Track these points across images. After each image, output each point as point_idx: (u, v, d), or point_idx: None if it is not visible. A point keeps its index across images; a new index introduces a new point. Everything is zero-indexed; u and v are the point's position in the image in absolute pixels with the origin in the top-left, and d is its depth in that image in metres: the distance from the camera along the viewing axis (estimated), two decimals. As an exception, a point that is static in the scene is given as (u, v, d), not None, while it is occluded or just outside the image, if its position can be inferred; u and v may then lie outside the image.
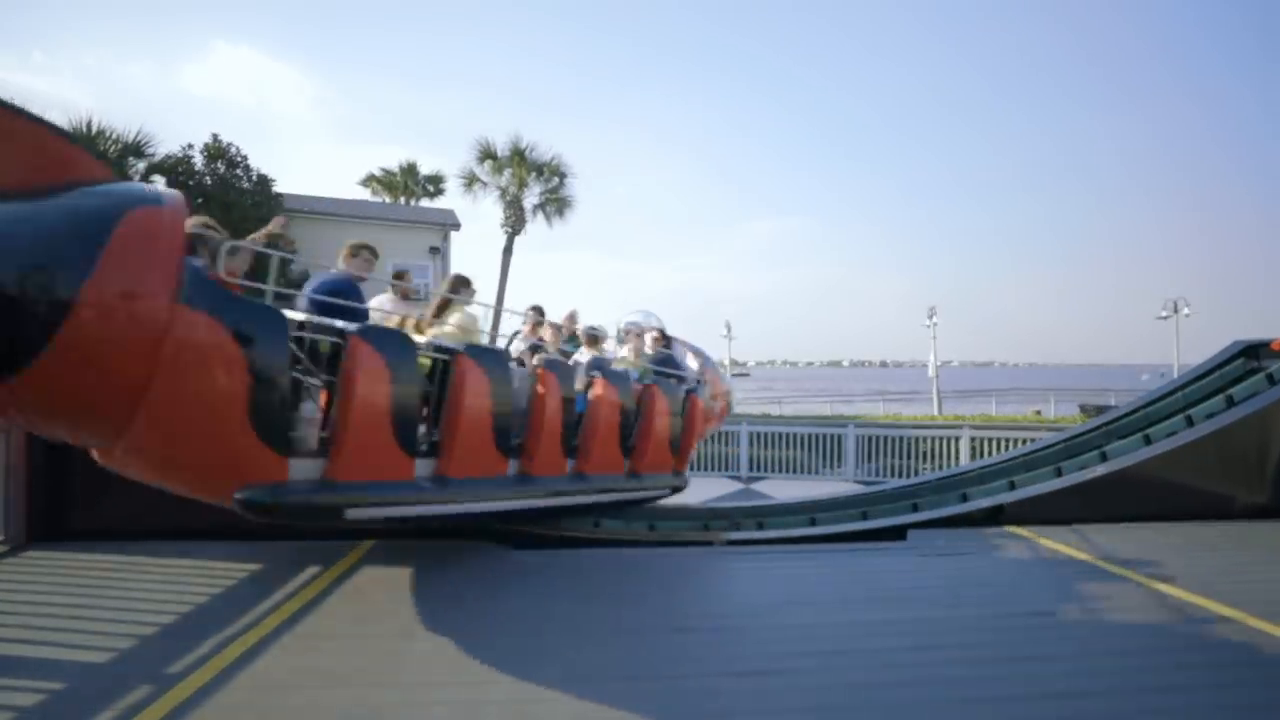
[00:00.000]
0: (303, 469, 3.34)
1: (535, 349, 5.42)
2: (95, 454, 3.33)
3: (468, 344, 4.20)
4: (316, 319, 3.72)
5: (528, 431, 4.57)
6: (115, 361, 2.72)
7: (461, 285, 4.68)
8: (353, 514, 3.53)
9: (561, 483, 4.83)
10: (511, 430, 4.39)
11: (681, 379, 6.37)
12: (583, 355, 5.71)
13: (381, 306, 4.68)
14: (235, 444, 3.06)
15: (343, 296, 4.00)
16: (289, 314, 3.55)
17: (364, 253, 4.54)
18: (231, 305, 3.05)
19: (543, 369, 4.67)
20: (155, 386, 2.79)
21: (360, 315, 4.00)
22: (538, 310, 6.00)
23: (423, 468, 3.89)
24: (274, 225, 3.97)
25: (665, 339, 6.86)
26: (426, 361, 4.05)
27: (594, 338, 5.85)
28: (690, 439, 6.25)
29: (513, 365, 4.64)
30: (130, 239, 2.73)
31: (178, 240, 2.89)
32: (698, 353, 7.10)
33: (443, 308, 4.57)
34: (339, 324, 3.69)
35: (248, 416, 3.04)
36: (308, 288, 4.25)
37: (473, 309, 4.61)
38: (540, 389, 4.55)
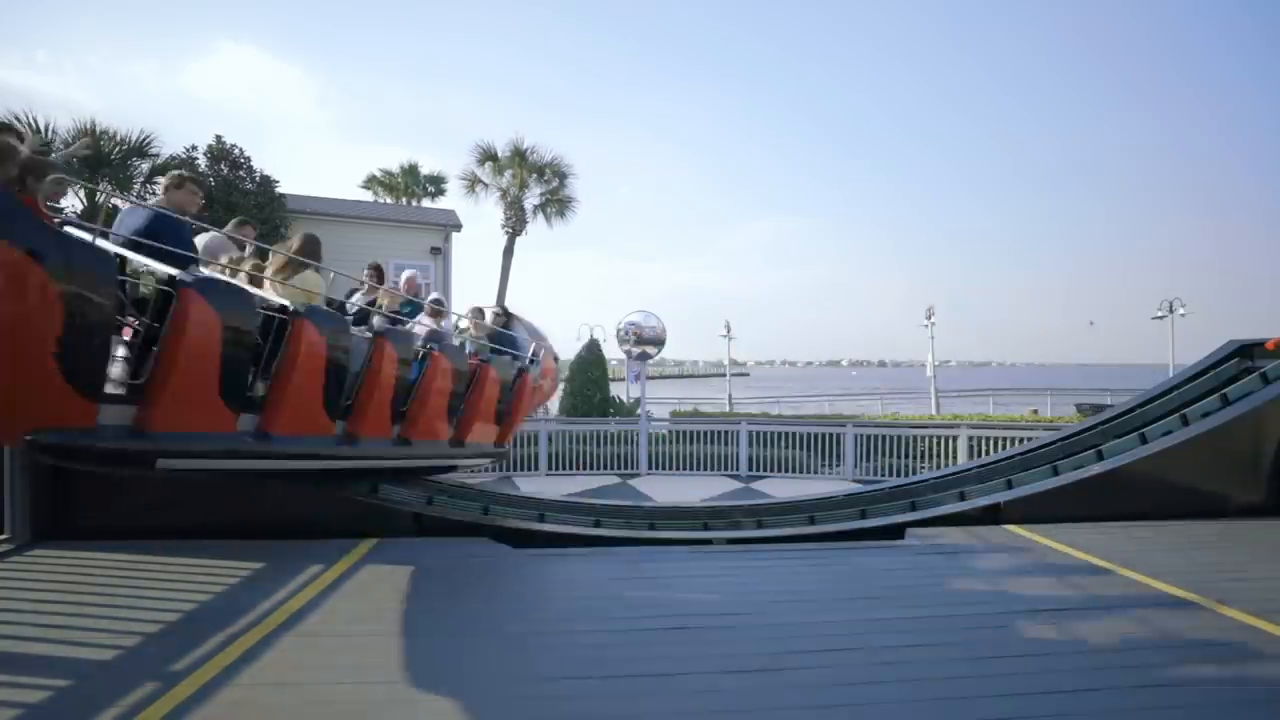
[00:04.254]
0: (113, 415, 3.25)
1: (365, 312, 5.71)
2: None
3: (308, 305, 4.22)
4: (138, 259, 3.59)
5: (358, 394, 4.66)
6: None
7: (311, 248, 4.58)
8: (165, 464, 3.50)
9: (386, 446, 5.06)
10: (342, 392, 4.48)
11: (516, 356, 6.71)
12: (422, 323, 5.95)
13: (214, 255, 4.46)
14: (32, 380, 2.88)
15: (160, 237, 3.71)
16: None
17: (188, 185, 4.16)
18: (40, 231, 2.81)
19: (381, 335, 4.81)
20: None
21: (181, 258, 3.69)
22: (376, 270, 6.37)
23: (247, 423, 3.91)
24: (79, 146, 3.70)
25: (506, 316, 7.26)
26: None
27: (437, 310, 6.13)
28: (518, 413, 6.65)
29: (355, 330, 4.73)
30: None
31: None
32: (534, 332, 7.48)
33: (286, 267, 4.46)
34: (170, 270, 3.51)
35: (53, 354, 2.84)
36: (121, 225, 3.91)
37: (313, 275, 4.56)
38: (376, 354, 4.69)
